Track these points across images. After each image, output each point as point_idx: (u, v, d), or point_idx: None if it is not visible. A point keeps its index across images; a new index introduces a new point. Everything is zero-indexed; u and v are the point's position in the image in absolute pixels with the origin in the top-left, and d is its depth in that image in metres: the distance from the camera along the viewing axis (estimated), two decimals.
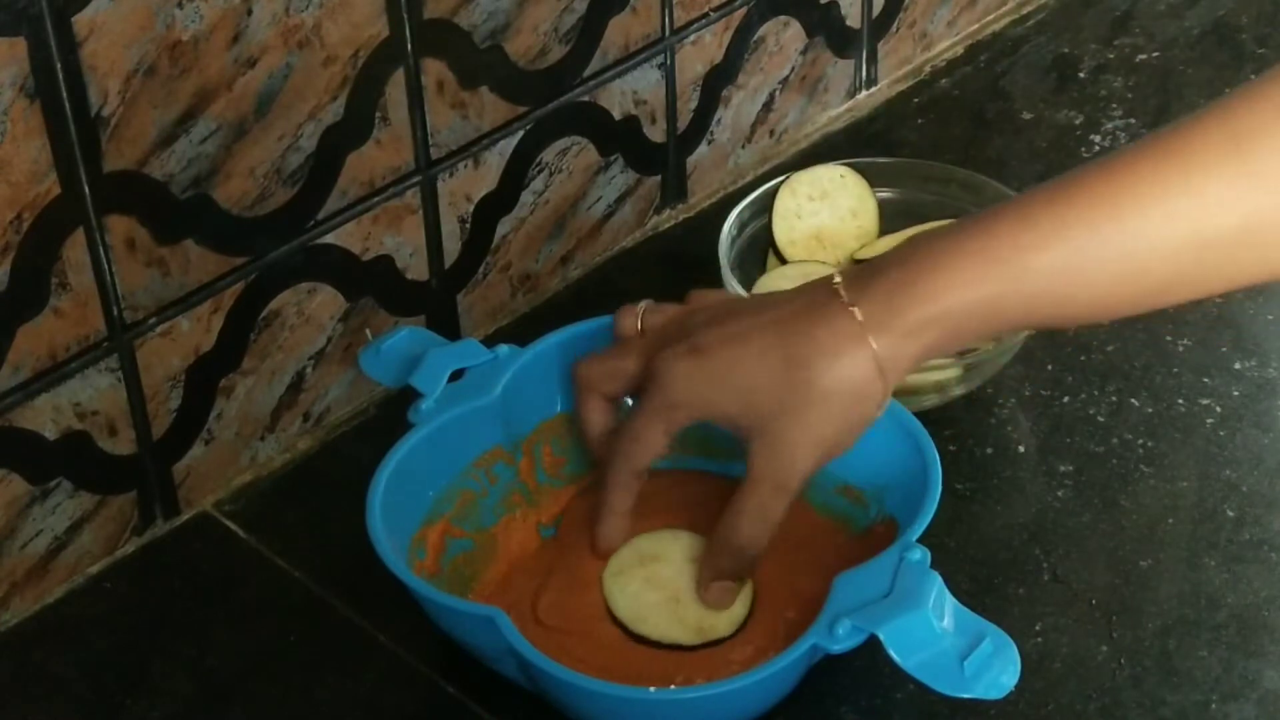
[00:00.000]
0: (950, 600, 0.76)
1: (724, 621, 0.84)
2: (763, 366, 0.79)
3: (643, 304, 0.86)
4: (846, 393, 0.78)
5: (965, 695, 0.74)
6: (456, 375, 0.89)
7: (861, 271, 0.79)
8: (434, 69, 0.97)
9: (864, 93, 1.27)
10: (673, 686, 0.78)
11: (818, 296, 0.79)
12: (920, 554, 0.78)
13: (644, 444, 0.82)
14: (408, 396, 0.90)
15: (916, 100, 1.27)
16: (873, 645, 0.76)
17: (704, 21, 1.12)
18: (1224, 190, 0.72)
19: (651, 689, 0.77)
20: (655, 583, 0.85)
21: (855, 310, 0.77)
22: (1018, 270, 0.75)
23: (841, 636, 0.76)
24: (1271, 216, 0.73)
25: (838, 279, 0.79)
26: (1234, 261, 0.74)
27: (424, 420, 0.87)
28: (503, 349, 0.90)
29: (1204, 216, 0.73)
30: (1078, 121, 1.24)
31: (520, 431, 0.91)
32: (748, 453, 0.80)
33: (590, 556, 0.87)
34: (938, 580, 0.76)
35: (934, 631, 0.74)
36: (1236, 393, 1.00)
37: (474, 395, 0.89)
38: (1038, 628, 0.87)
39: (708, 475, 0.91)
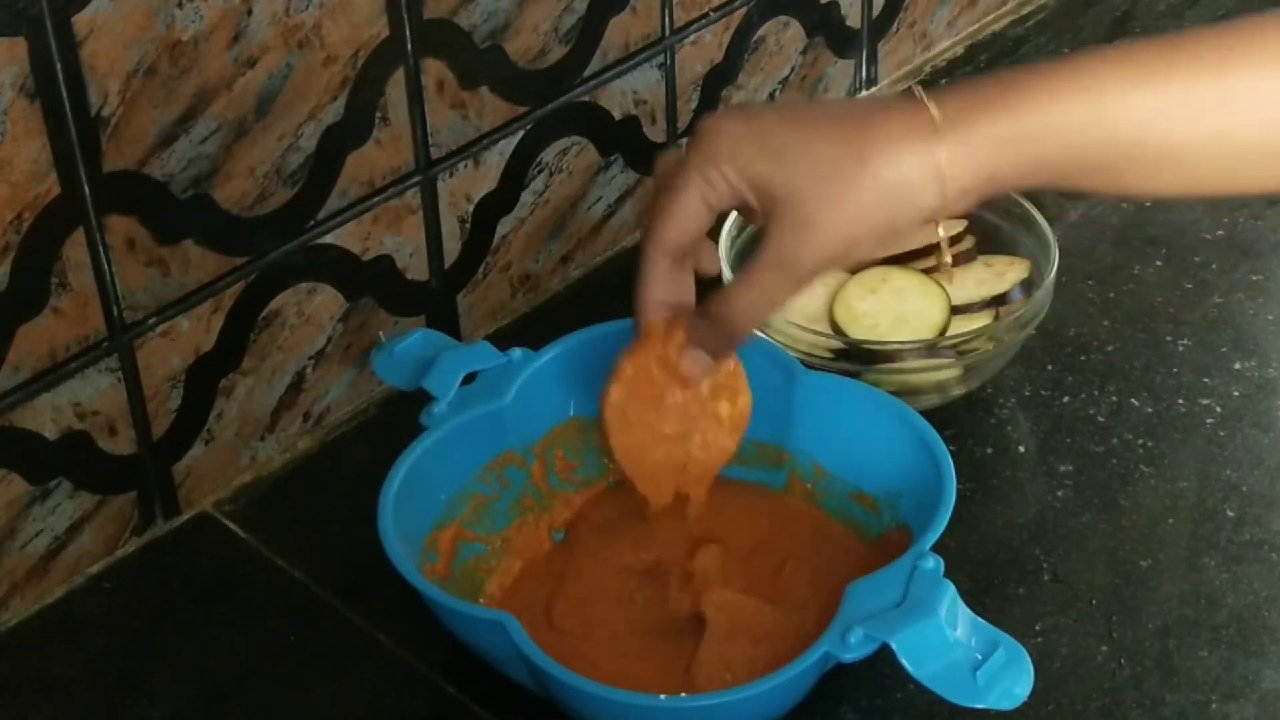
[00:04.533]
0: (963, 609, 0.76)
1: None
2: (819, 137, 0.73)
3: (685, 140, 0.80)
4: (898, 186, 0.72)
5: (978, 705, 0.73)
6: (469, 379, 0.89)
7: (945, 87, 0.74)
8: (434, 69, 0.97)
9: (864, 93, 1.26)
10: (683, 694, 0.78)
11: (894, 98, 0.74)
12: (933, 562, 0.77)
13: (679, 213, 0.76)
14: (408, 396, 0.90)
15: None
16: None
17: (704, 21, 1.12)
18: None
19: (662, 696, 0.77)
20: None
21: (932, 107, 0.72)
22: (1109, 103, 0.70)
23: (854, 645, 0.75)
24: None
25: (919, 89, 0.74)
26: None
27: (436, 424, 0.87)
28: (516, 353, 0.90)
29: None
30: None
31: (533, 435, 0.90)
32: (767, 227, 0.74)
33: (602, 562, 0.87)
34: (951, 589, 0.76)
35: (946, 641, 0.74)
36: (1236, 393, 1.00)
37: (487, 399, 0.88)
38: (1038, 628, 0.87)
39: (733, 482, 0.89)
